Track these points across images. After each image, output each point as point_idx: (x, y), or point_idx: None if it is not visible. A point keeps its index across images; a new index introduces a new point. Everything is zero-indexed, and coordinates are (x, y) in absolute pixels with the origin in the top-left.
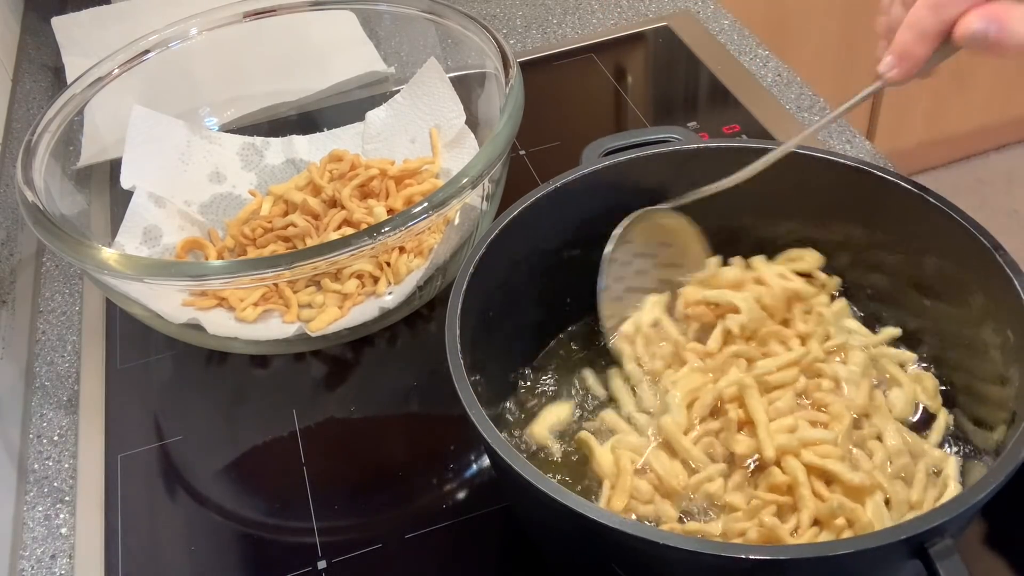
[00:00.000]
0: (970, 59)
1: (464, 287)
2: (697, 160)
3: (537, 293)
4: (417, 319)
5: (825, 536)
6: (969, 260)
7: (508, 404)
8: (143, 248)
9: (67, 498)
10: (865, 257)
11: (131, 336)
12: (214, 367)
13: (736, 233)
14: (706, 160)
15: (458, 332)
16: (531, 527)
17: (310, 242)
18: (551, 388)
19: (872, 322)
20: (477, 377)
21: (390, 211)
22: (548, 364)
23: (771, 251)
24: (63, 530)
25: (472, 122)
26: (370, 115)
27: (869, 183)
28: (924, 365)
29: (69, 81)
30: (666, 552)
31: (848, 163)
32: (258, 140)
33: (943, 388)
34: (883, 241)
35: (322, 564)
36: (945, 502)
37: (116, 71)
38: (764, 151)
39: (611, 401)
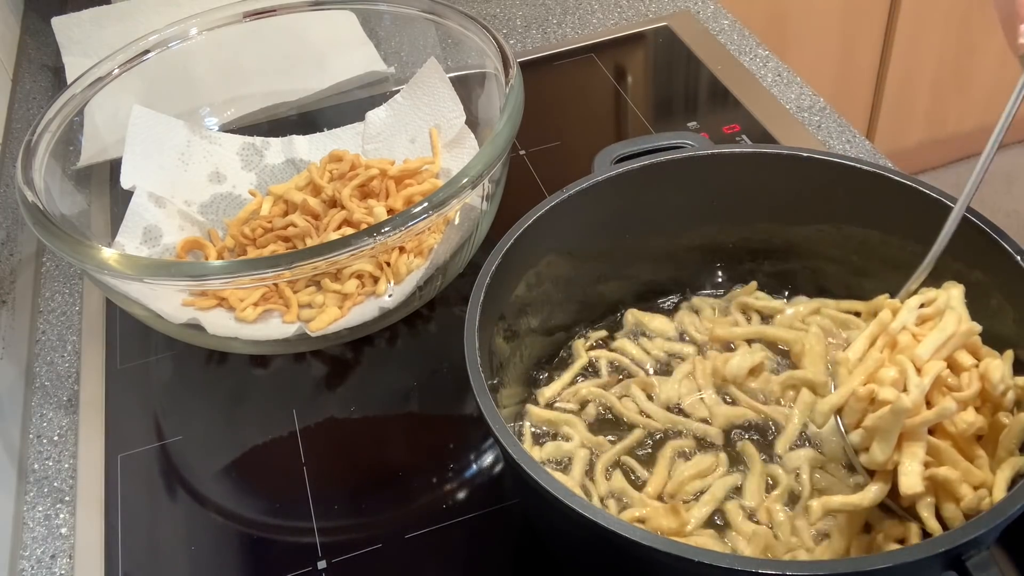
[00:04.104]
0: (970, 59)
1: (481, 299)
2: (711, 166)
3: (550, 300)
4: (417, 319)
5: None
6: (989, 265)
7: (524, 410)
8: (143, 248)
9: (67, 498)
10: (881, 261)
11: (131, 336)
12: (214, 367)
13: (748, 240)
14: (719, 166)
15: (476, 345)
16: (550, 536)
17: (310, 242)
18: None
19: None
20: (494, 386)
21: (390, 211)
22: (563, 369)
23: (785, 257)
24: (63, 530)
25: (472, 122)
26: (370, 115)
27: (885, 188)
28: None
29: (69, 81)
30: (700, 569)
31: (864, 168)
32: (258, 140)
33: None
34: (900, 246)
35: (322, 564)
36: (982, 514)
37: (116, 71)
38: (776, 156)
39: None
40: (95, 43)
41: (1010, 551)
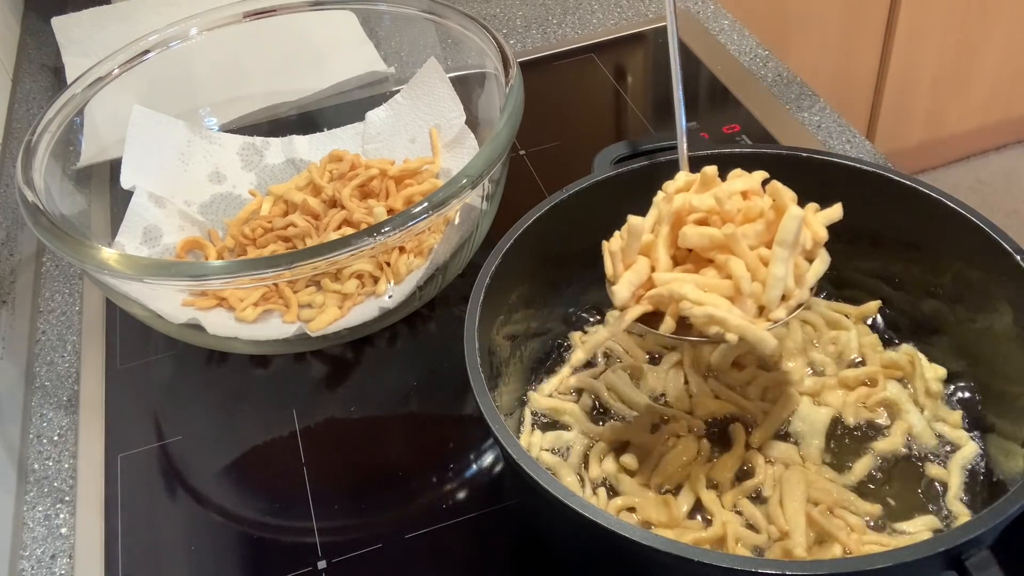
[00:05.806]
0: (970, 59)
1: (481, 299)
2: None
3: (549, 299)
4: (417, 319)
5: None
6: (989, 265)
7: (526, 397)
8: (143, 248)
9: (67, 498)
10: (885, 267)
11: (131, 336)
12: (214, 367)
13: None
14: (719, 166)
15: (476, 345)
16: (550, 536)
17: (310, 242)
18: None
19: (890, 335)
20: (494, 386)
21: (390, 211)
22: (562, 364)
23: None
24: (63, 530)
25: (472, 122)
26: (370, 115)
27: (885, 188)
28: (959, 387)
29: (69, 81)
30: (700, 568)
31: (864, 168)
32: (258, 140)
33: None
34: (903, 249)
35: (322, 564)
36: (982, 514)
37: (116, 71)
38: (776, 156)
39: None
40: (95, 43)
41: (1010, 551)
